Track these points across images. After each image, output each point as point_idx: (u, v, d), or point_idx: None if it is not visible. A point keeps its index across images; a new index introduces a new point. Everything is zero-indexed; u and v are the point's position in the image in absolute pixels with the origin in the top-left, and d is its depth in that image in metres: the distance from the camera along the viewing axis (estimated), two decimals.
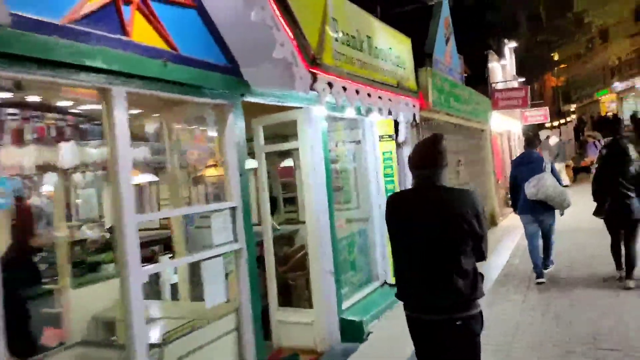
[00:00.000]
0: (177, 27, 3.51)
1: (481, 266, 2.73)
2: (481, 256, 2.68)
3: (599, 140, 19.11)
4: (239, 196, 4.06)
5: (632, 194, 5.68)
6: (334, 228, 5.31)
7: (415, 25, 7.26)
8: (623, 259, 5.95)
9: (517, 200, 6.51)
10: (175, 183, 4.72)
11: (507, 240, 9.84)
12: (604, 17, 18.60)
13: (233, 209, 4.05)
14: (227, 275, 4.00)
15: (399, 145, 6.72)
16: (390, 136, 6.54)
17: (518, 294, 6.15)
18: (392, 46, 6.11)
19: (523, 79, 12.21)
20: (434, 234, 2.61)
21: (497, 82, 11.72)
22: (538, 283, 6.37)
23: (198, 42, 3.74)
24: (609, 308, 5.28)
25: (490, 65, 11.97)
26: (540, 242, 6.63)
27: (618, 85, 45.27)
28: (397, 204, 2.85)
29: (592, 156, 18.09)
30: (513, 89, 11.94)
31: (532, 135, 7.38)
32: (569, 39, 25.42)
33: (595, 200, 6.11)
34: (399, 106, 6.16)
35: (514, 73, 14.54)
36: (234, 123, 4.04)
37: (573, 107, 43.67)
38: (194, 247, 4.11)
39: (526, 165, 6.37)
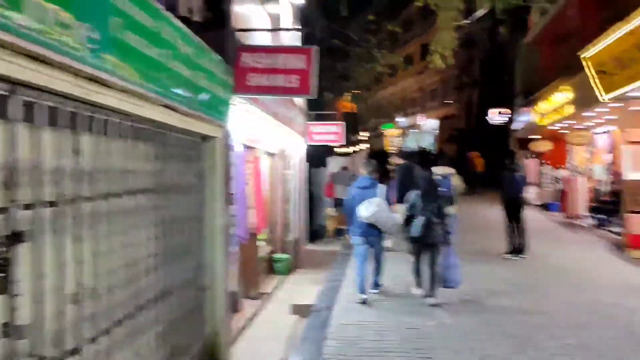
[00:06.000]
0: None
1: None
2: None
3: None
4: None
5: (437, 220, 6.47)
6: None
7: None
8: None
9: (351, 223, 6.77)
10: None
11: None
12: None
13: None
14: None
15: None
16: None
17: None
18: None
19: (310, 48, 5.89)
20: None
21: (248, 30, 5.27)
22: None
23: None
24: None
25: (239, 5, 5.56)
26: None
27: (402, 121, 45.58)
28: None
29: None
30: (283, 50, 5.60)
31: (372, 162, 7.44)
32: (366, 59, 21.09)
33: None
34: None
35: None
36: None
37: (366, 135, 41.97)
38: None
39: (364, 189, 6.66)
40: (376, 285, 6.92)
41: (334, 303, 6.69)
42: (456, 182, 8.63)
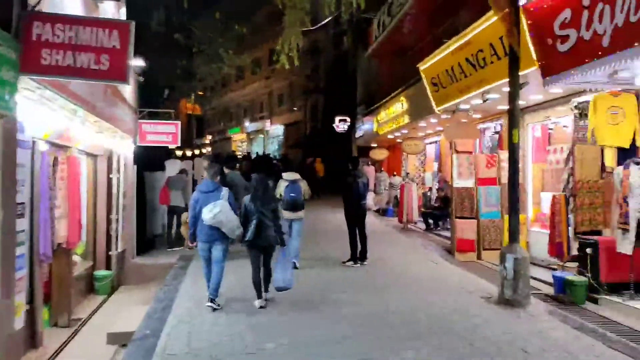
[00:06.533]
0: None
1: None
2: None
3: None
4: None
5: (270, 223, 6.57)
6: None
7: None
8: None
9: (196, 227, 6.68)
10: None
11: None
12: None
13: None
14: None
15: None
16: None
17: None
18: None
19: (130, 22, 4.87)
20: None
21: None
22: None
23: None
24: None
25: None
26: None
27: (249, 126, 45.08)
28: None
29: None
30: (89, 22, 4.54)
31: (214, 166, 7.29)
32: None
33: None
34: None
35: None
36: None
37: (208, 139, 40.55)
38: None
39: (207, 193, 6.58)
40: (212, 300, 6.44)
41: (162, 327, 5.80)
42: (304, 187, 8.74)
